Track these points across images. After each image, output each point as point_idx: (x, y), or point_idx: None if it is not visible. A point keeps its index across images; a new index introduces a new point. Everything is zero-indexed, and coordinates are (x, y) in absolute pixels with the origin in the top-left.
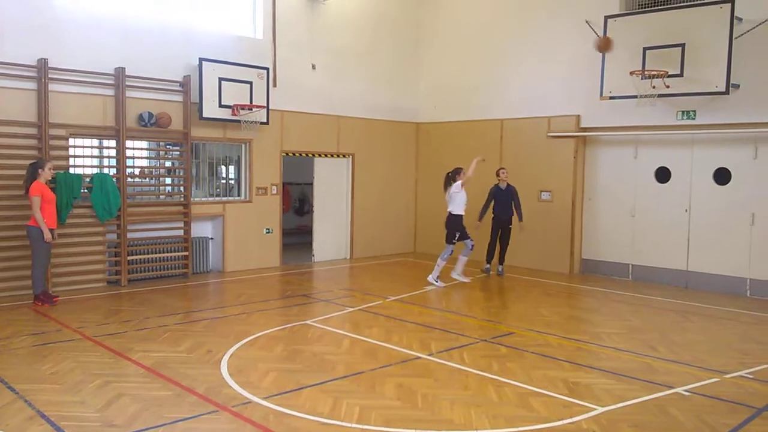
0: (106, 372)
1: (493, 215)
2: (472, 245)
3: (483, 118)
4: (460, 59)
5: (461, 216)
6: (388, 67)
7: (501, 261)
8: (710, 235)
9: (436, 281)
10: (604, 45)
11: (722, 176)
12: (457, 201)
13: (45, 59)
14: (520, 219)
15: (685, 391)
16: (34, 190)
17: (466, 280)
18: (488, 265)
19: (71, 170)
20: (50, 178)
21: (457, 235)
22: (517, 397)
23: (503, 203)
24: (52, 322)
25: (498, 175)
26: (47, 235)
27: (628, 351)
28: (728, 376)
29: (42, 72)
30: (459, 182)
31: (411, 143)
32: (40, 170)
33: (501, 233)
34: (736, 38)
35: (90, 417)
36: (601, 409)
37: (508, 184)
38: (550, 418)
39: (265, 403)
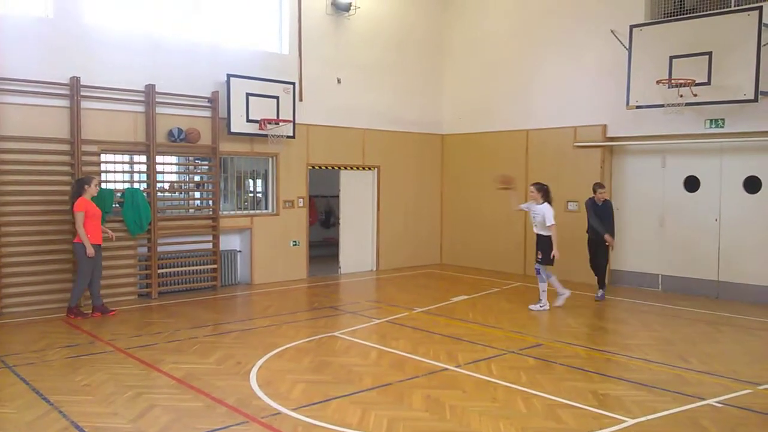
0: (137, 383)
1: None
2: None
3: (508, 129)
4: (485, 71)
5: None
6: (412, 79)
7: (600, 285)
8: (741, 245)
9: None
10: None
11: (752, 185)
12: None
13: (77, 77)
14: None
15: (717, 402)
16: (79, 206)
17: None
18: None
19: (103, 185)
20: (96, 194)
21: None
22: (546, 408)
23: (598, 220)
24: (84, 335)
25: (594, 191)
26: (90, 251)
27: (658, 362)
28: (761, 387)
29: (74, 90)
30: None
31: (436, 155)
32: (86, 186)
33: (596, 253)
34: (764, 45)
35: (122, 428)
36: (631, 421)
37: (605, 200)
38: (580, 430)
39: (294, 414)
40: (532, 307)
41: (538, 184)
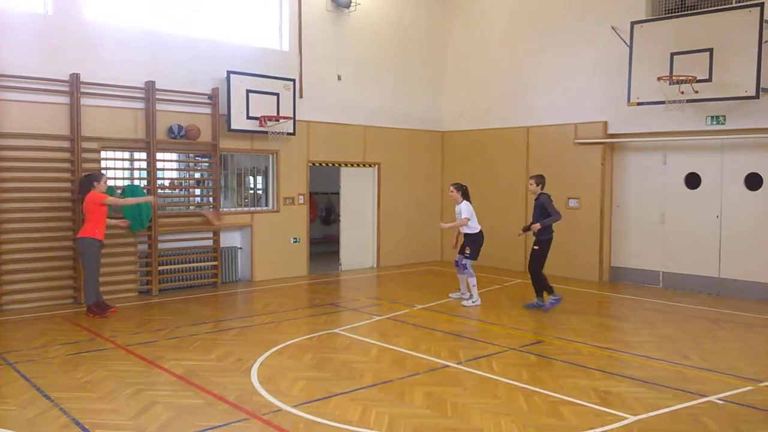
0: (138, 380)
1: None
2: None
3: (509, 126)
4: (485, 67)
5: None
6: (413, 76)
7: (536, 292)
8: (742, 242)
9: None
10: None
11: (754, 181)
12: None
13: (77, 74)
14: (527, 228)
15: (719, 399)
16: (101, 196)
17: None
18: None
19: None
20: (105, 191)
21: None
22: (548, 406)
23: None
24: (85, 332)
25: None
26: (118, 200)
27: (659, 359)
28: (763, 384)
29: (74, 86)
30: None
31: (437, 152)
32: (95, 183)
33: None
34: (765, 42)
35: (123, 425)
36: (633, 418)
37: (540, 193)
38: (581, 427)
39: (294, 411)
40: (464, 303)
41: (457, 185)
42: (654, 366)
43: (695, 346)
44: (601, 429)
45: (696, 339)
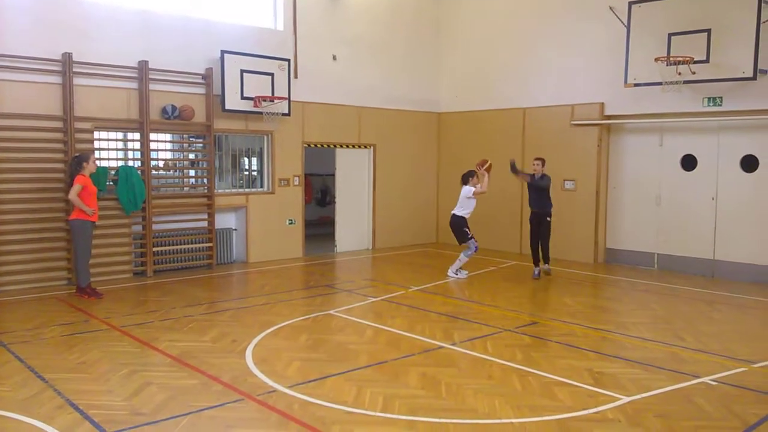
0: (133, 361)
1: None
2: (476, 247)
3: (505, 107)
4: (482, 48)
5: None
6: (408, 56)
7: (545, 259)
8: (737, 224)
9: (457, 273)
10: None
11: (750, 163)
12: (466, 205)
13: (69, 53)
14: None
15: (712, 380)
16: (78, 180)
17: (462, 276)
18: (536, 269)
19: (97, 163)
20: (94, 171)
21: (470, 233)
22: (542, 386)
23: (535, 194)
24: (79, 313)
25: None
26: (89, 210)
27: (653, 340)
28: (756, 365)
29: (66, 66)
30: (471, 189)
31: (432, 133)
32: (84, 163)
33: (539, 228)
34: (763, 23)
35: (118, 405)
36: (626, 399)
37: (542, 174)
38: (575, 408)
39: (289, 391)
40: (457, 275)
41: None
42: (648, 347)
43: (689, 327)
44: (595, 409)
45: (690, 320)
